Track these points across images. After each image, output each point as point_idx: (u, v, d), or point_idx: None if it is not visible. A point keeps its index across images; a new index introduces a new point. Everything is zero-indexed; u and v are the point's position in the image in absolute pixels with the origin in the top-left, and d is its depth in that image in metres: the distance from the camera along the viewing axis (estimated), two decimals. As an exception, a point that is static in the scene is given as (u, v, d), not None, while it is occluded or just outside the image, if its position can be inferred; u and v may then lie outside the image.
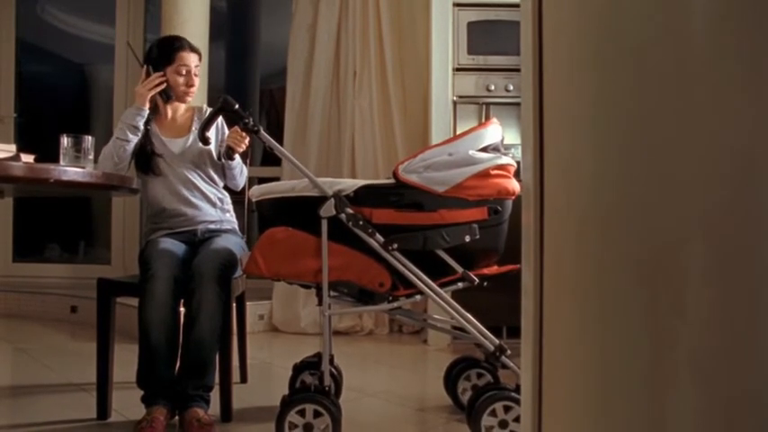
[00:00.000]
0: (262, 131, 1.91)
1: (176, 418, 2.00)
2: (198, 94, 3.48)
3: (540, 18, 0.78)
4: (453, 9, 3.46)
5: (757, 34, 0.54)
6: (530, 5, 0.78)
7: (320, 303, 2.03)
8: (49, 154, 1.91)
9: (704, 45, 0.58)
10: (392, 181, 1.86)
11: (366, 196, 1.84)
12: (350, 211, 1.81)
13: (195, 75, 2.37)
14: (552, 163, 0.76)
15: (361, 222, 1.81)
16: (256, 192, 1.96)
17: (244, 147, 2.21)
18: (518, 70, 0.87)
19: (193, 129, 2.41)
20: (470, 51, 3.47)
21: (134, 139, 2.26)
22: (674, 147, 0.59)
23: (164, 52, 2.35)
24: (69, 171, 1.69)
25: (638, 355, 0.62)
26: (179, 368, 2.02)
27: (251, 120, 1.91)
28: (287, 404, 1.79)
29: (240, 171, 2.43)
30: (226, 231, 2.35)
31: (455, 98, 3.45)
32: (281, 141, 3.82)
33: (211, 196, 2.38)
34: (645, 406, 0.61)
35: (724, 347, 0.56)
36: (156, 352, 1.97)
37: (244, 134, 2.14)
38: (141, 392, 2.00)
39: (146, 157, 2.32)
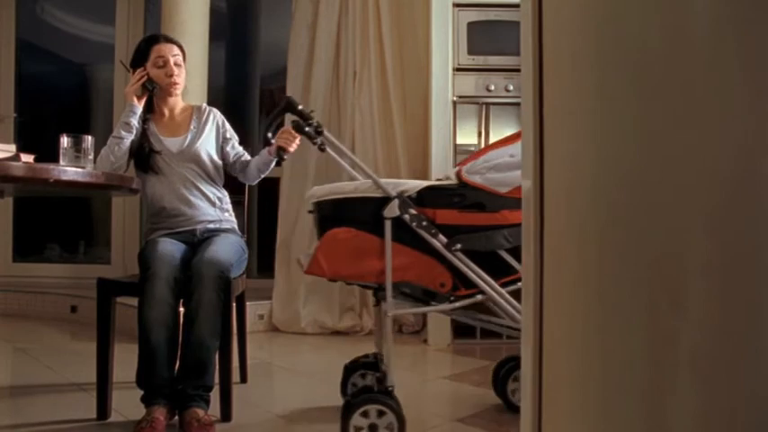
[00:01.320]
0: (325, 132, 1.93)
1: (176, 418, 2.00)
2: (198, 93, 3.50)
3: (540, 18, 0.78)
4: (453, 9, 3.46)
5: (757, 34, 0.54)
6: (530, 5, 0.78)
7: (378, 304, 2.04)
8: (48, 154, 1.91)
9: (705, 45, 0.58)
10: (455, 182, 1.86)
11: (429, 197, 1.85)
12: (413, 211, 1.82)
13: (176, 64, 2.36)
14: (552, 163, 0.76)
15: (424, 223, 1.82)
16: (318, 192, 1.96)
17: (295, 147, 2.22)
18: (518, 70, 0.87)
19: (191, 128, 2.41)
20: (470, 51, 3.47)
21: (128, 137, 2.26)
22: (674, 147, 0.59)
23: (140, 51, 2.38)
24: (69, 171, 1.69)
25: (638, 355, 0.62)
26: (179, 368, 2.02)
27: (315, 120, 1.92)
28: (351, 406, 1.78)
29: (268, 170, 2.44)
30: (225, 231, 2.35)
31: (455, 98, 3.45)
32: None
33: (210, 195, 2.38)
34: (645, 406, 0.61)
35: (724, 347, 0.56)
36: (156, 352, 1.96)
37: (294, 134, 2.14)
38: (141, 392, 2.00)
39: (144, 156, 2.32)
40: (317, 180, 3.81)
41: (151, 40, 2.39)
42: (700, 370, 0.57)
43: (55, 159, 1.83)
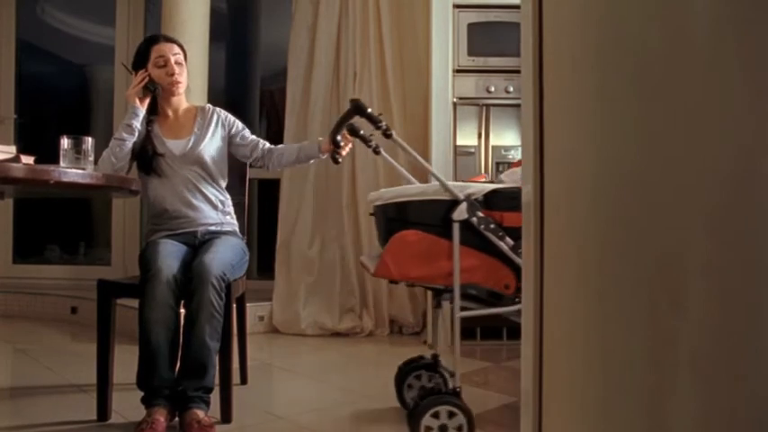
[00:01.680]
0: (394, 135, 1.96)
1: (176, 419, 2.00)
2: (199, 94, 3.50)
3: (540, 19, 0.78)
4: (453, 10, 3.46)
5: (757, 34, 0.55)
6: (530, 7, 0.79)
7: (438, 306, 2.08)
8: (49, 155, 1.91)
9: (705, 45, 0.58)
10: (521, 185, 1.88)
11: (496, 200, 1.87)
12: (481, 214, 1.83)
13: (177, 63, 2.35)
14: (552, 163, 0.76)
15: (492, 226, 1.83)
16: (385, 195, 1.98)
17: (347, 151, 2.31)
18: (518, 72, 0.87)
19: (195, 130, 2.40)
20: (470, 53, 3.48)
21: (130, 139, 2.25)
22: (674, 147, 0.59)
23: (141, 52, 2.37)
24: (70, 172, 1.69)
25: (638, 355, 0.62)
26: (179, 369, 2.02)
27: (384, 123, 1.95)
28: (422, 408, 1.79)
29: (306, 163, 2.53)
30: (226, 233, 2.35)
31: (455, 99, 3.45)
32: (280, 142, 3.82)
33: (213, 198, 2.37)
34: (645, 406, 0.61)
35: (724, 348, 0.56)
36: (157, 353, 1.96)
37: (349, 138, 2.22)
38: (141, 394, 2.00)
39: (147, 158, 2.32)
40: (318, 181, 3.82)
41: (151, 41, 2.38)
42: (700, 370, 0.57)
43: (55, 161, 1.83)
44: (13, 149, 1.84)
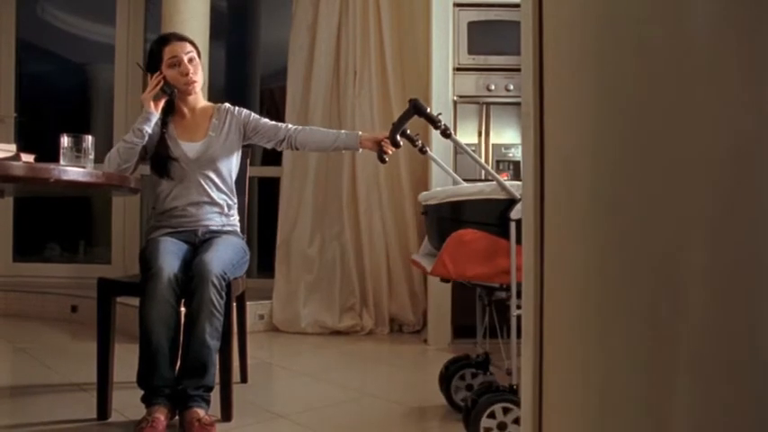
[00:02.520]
0: (453, 134, 1.97)
1: (176, 418, 2.00)
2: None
3: (540, 18, 0.78)
4: (454, 9, 3.46)
5: (758, 33, 0.54)
6: (530, 5, 0.78)
7: (489, 304, 2.08)
8: (49, 154, 1.91)
9: (705, 44, 0.58)
10: None
11: None
12: None
13: (190, 61, 2.33)
14: (552, 163, 0.76)
15: None
16: (440, 194, 1.98)
17: (392, 150, 2.32)
18: (518, 70, 0.87)
19: (210, 133, 2.38)
20: (471, 51, 3.47)
21: (139, 143, 2.23)
22: (674, 146, 0.59)
23: (154, 54, 2.35)
24: (70, 171, 1.69)
25: (638, 356, 0.62)
26: (179, 368, 2.03)
27: (443, 123, 1.96)
28: (482, 406, 1.81)
29: (339, 150, 2.52)
30: (227, 233, 2.35)
31: (455, 98, 3.45)
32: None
33: (221, 203, 2.37)
34: (645, 406, 0.61)
35: (724, 350, 0.56)
36: (157, 351, 1.97)
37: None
38: (141, 392, 2.00)
39: (161, 162, 2.31)
40: (318, 180, 3.82)
41: (162, 41, 2.35)
42: (700, 372, 0.57)
43: (55, 159, 1.83)
44: (13, 148, 1.84)
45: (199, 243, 2.26)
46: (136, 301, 2.04)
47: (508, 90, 3.46)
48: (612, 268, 0.65)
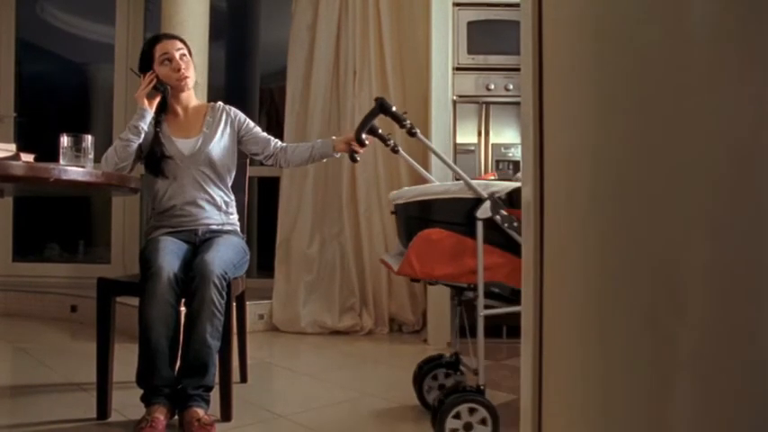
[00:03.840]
0: (419, 133, 1.95)
1: (176, 417, 2.00)
2: (198, 93, 3.49)
3: (540, 17, 0.78)
4: (453, 8, 3.46)
5: (757, 33, 0.54)
6: (530, 5, 0.78)
7: (460, 304, 2.06)
8: (48, 153, 1.91)
9: (704, 44, 0.58)
10: None
11: (519, 198, 1.86)
12: (504, 212, 1.83)
13: (182, 59, 2.34)
14: (552, 163, 0.76)
15: (515, 224, 1.83)
16: (408, 193, 1.97)
17: (363, 149, 2.30)
18: (518, 70, 0.87)
19: (204, 129, 2.39)
20: (470, 51, 3.47)
21: (136, 140, 2.24)
22: (674, 146, 0.59)
23: (145, 54, 2.36)
24: (69, 170, 1.68)
25: (638, 355, 0.62)
26: (179, 368, 2.02)
27: (408, 122, 1.93)
28: (447, 406, 1.79)
29: (320, 161, 2.53)
30: (227, 232, 2.35)
31: (455, 98, 3.45)
32: (280, 140, 3.82)
33: (218, 199, 2.37)
34: (645, 406, 0.61)
35: (724, 349, 0.56)
36: (157, 351, 1.96)
37: (368, 137, 2.21)
38: (141, 392, 2.00)
39: (155, 160, 2.31)
40: (317, 180, 3.82)
41: (153, 41, 2.38)
42: (699, 371, 0.57)
43: (55, 159, 1.83)
44: (12, 147, 1.84)
45: (199, 243, 2.26)
46: (136, 301, 2.04)
47: (508, 90, 3.46)
48: (612, 268, 0.65)
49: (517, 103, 3.29)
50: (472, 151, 3.48)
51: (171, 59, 2.32)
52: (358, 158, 2.32)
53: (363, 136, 2.15)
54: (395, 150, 2.19)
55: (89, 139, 1.86)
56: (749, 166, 0.55)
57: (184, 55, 2.36)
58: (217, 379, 2.06)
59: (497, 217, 1.82)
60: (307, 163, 2.50)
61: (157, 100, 2.30)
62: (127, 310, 2.71)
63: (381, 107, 1.94)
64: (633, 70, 0.63)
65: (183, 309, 2.04)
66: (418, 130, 1.96)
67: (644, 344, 0.61)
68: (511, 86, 3.45)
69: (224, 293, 2.02)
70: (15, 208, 4.72)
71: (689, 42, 0.59)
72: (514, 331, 3.19)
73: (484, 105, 3.47)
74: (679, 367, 0.58)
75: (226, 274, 2.04)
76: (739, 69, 0.56)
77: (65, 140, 1.83)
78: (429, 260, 1.85)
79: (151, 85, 2.27)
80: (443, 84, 3.42)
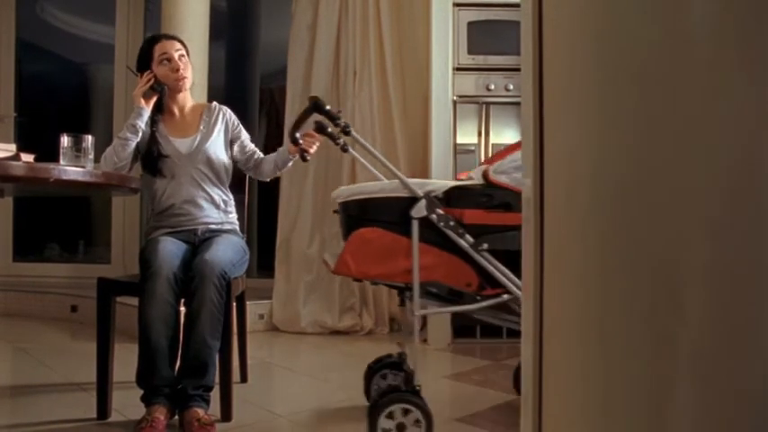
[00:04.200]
0: (353, 132, 1.93)
1: (176, 417, 2.00)
2: (198, 93, 3.50)
3: (540, 17, 0.78)
4: (453, 9, 3.46)
5: (757, 33, 0.54)
6: (530, 5, 0.78)
7: (403, 304, 2.05)
8: (48, 153, 1.91)
9: (705, 45, 0.58)
10: (482, 182, 1.87)
11: (456, 197, 1.85)
12: (440, 211, 1.81)
13: (180, 60, 2.35)
14: (552, 163, 0.76)
15: (451, 223, 1.81)
16: (345, 192, 1.97)
17: (315, 148, 2.26)
18: (518, 70, 0.87)
19: (201, 128, 2.40)
20: (470, 51, 3.47)
21: (134, 139, 2.25)
22: (674, 146, 0.59)
23: (144, 53, 2.37)
24: (69, 170, 1.68)
25: (638, 355, 0.62)
26: (179, 368, 2.02)
27: (343, 120, 1.93)
28: (379, 405, 1.79)
29: (286, 168, 2.48)
30: (227, 232, 2.35)
31: (455, 98, 3.45)
32: (280, 141, 3.82)
33: (216, 198, 2.38)
34: (645, 406, 0.61)
35: (724, 348, 0.56)
36: (156, 351, 1.96)
37: (316, 135, 2.16)
38: (141, 392, 2.00)
39: (152, 159, 2.32)
40: (317, 180, 3.82)
41: (152, 41, 2.39)
42: (699, 371, 0.57)
43: (55, 159, 1.83)
44: (13, 148, 1.84)
45: (198, 242, 2.26)
46: (136, 301, 2.04)
47: (508, 90, 3.46)
48: (612, 268, 0.65)
49: (517, 103, 3.29)
50: (472, 151, 3.48)
51: (170, 60, 2.33)
52: (308, 158, 2.29)
53: (297, 135, 2.11)
54: (344, 149, 2.16)
55: (89, 139, 1.86)
56: (749, 165, 0.55)
57: (183, 56, 2.37)
58: (217, 379, 2.05)
59: (433, 216, 1.80)
60: (275, 172, 2.48)
61: (154, 99, 2.31)
62: (127, 310, 2.71)
63: (315, 106, 1.93)
64: (633, 70, 0.63)
65: (182, 308, 2.04)
66: (353, 129, 1.94)
67: (644, 344, 0.61)
68: (511, 86, 3.45)
69: (224, 293, 2.02)
70: (15, 208, 4.72)
71: (689, 42, 0.59)
72: (514, 331, 3.19)
73: (484, 105, 3.47)
74: (679, 367, 0.58)
75: (225, 273, 2.04)
76: (740, 69, 0.56)
77: (65, 140, 1.83)
78: (364, 259, 1.84)
79: (148, 85, 2.28)
80: (443, 84, 3.42)
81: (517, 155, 1.86)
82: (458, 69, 3.46)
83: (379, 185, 1.93)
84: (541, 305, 0.76)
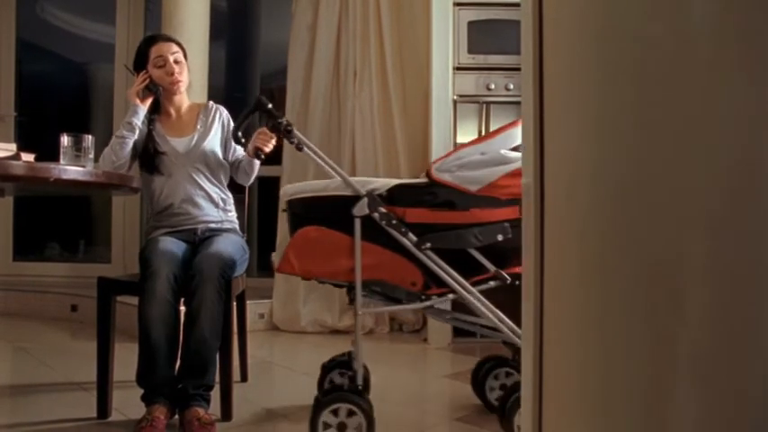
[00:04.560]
0: (294, 131, 1.91)
1: (176, 417, 2.00)
2: (198, 93, 3.50)
3: (540, 17, 0.78)
4: (453, 8, 3.46)
5: (758, 32, 0.54)
6: (530, 5, 0.78)
7: (351, 302, 2.01)
8: (49, 153, 1.91)
9: (706, 44, 0.58)
10: (425, 180, 1.86)
11: (399, 195, 1.84)
12: (383, 210, 1.81)
13: (176, 62, 2.35)
14: (552, 163, 0.76)
15: (394, 221, 1.81)
16: (290, 191, 1.96)
17: (271, 146, 2.21)
18: (518, 69, 0.87)
19: (198, 127, 2.41)
20: (471, 50, 3.47)
21: (131, 137, 2.25)
22: (675, 146, 0.59)
23: (140, 53, 2.38)
24: (70, 170, 1.69)
25: (638, 355, 0.62)
26: (179, 367, 2.03)
27: (285, 119, 1.92)
28: (321, 404, 1.78)
29: (254, 171, 2.42)
30: (226, 231, 2.35)
31: (455, 97, 3.45)
32: (280, 141, 3.82)
33: (215, 196, 2.38)
34: (645, 406, 0.61)
35: (724, 347, 0.56)
36: (157, 350, 1.97)
37: (272, 134, 2.13)
38: (141, 391, 2.00)
39: (149, 157, 2.32)
40: (317, 179, 3.81)
41: (149, 41, 2.39)
42: (699, 371, 0.57)
43: (55, 158, 1.83)
44: (13, 147, 1.84)
45: (198, 242, 2.26)
46: (136, 301, 2.04)
47: (508, 89, 3.46)
48: (612, 268, 0.65)
49: (518, 103, 3.27)
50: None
51: (165, 62, 2.34)
52: (262, 156, 2.26)
53: (240, 134, 2.08)
54: (299, 148, 2.14)
55: (89, 138, 1.86)
56: (750, 165, 0.55)
57: (179, 60, 2.37)
58: (217, 378, 2.06)
59: (375, 214, 1.80)
60: (247, 176, 2.43)
61: (150, 100, 2.31)
62: (127, 310, 2.71)
63: (258, 104, 1.92)
64: (634, 70, 0.63)
65: (182, 308, 2.04)
66: (294, 128, 1.93)
67: (644, 344, 0.61)
68: (511, 86, 3.45)
69: (224, 292, 2.02)
70: (15, 207, 4.72)
71: (689, 42, 0.59)
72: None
73: (484, 105, 3.47)
74: (679, 367, 0.58)
75: (225, 273, 2.04)
76: (740, 69, 0.56)
77: (65, 140, 1.83)
78: (307, 258, 1.84)
79: (144, 85, 2.29)
80: (444, 83, 3.42)
81: (461, 153, 1.85)
82: (458, 69, 3.46)
83: (323, 184, 1.91)
84: (541, 305, 0.76)
